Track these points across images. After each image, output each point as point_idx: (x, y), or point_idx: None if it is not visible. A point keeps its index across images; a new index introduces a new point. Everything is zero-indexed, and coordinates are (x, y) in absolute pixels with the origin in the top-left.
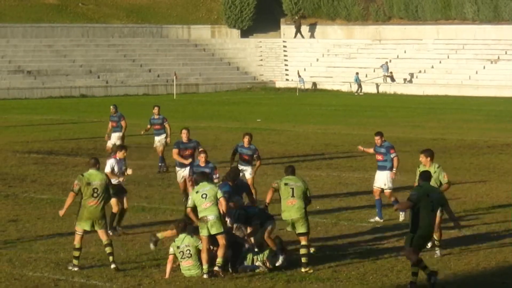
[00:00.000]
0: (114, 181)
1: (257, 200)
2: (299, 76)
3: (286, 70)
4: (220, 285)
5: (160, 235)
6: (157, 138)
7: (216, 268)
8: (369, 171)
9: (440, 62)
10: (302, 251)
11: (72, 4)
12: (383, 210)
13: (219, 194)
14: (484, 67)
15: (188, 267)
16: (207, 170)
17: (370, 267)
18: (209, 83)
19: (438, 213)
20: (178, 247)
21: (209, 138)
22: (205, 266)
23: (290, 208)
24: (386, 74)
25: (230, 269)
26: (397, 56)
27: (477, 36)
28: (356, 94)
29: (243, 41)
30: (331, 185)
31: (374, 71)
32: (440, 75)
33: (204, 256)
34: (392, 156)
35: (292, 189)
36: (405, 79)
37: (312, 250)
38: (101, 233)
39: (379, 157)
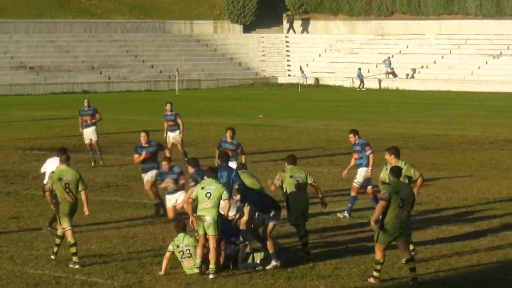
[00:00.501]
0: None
1: None
2: (302, 71)
3: (289, 65)
4: (221, 282)
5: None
6: (171, 135)
7: (211, 275)
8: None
9: (442, 57)
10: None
11: (74, 0)
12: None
13: (224, 196)
14: (486, 62)
15: (190, 266)
16: (173, 176)
17: (371, 264)
18: (211, 79)
19: None
20: (178, 246)
21: (211, 134)
22: (198, 261)
23: (300, 201)
24: (389, 69)
25: (231, 266)
26: (400, 51)
27: (479, 31)
28: (358, 89)
29: (245, 37)
30: (332, 182)
31: (376, 66)
32: (443, 70)
33: (198, 251)
34: (367, 153)
35: (298, 181)
36: (407, 75)
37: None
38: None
39: (355, 155)
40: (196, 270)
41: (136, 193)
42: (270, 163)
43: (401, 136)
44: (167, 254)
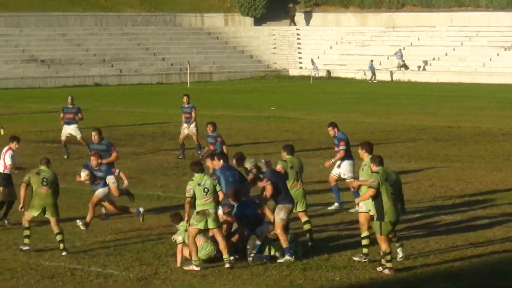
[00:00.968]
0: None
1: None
2: (313, 64)
3: (300, 58)
4: (236, 273)
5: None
6: (186, 126)
7: (227, 264)
8: (385, 159)
9: (453, 49)
10: (307, 226)
11: None
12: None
13: (218, 187)
14: (498, 54)
15: (201, 245)
16: (99, 174)
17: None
18: (223, 72)
19: None
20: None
21: (223, 127)
22: (194, 258)
23: (295, 192)
24: (400, 61)
25: (250, 257)
26: (411, 44)
27: (490, 23)
28: (370, 81)
29: (256, 29)
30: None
31: (388, 58)
32: (454, 62)
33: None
34: (340, 148)
35: (297, 172)
36: (419, 67)
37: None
38: (53, 222)
39: (336, 148)
40: (227, 265)
41: (150, 185)
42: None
43: (413, 128)
44: (179, 247)
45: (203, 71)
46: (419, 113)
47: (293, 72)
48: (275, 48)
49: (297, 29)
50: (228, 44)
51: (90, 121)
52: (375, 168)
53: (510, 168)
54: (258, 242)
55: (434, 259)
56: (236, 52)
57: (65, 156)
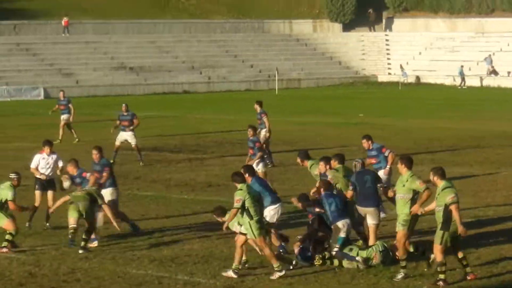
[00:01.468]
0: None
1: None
2: (402, 69)
3: (389, 64)
4: (323, 281)
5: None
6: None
7: (277, 273)
8: (474, 166)
9: None
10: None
11: (173, 0)
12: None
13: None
14: None
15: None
16: (77, 180)
17: (475, 262)
18: (311, 78)
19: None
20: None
21: (310, 134)
22: (236, 265)
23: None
24: (490, 67)
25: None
26: (500, 49)
27: None
28: (459, 87)
29: (345, 35)
30: None
31: (477, 64)
32: None
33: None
34: (386, 154)
35: (348, 181)
36: (508, 72)
37: None
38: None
39: (372, 161)
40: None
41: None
42: None
43: (503, 134)
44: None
45: (292, 78)
46: (509, 119)
47: (382, 78)
48: (363, 54)
49: (386, 35)
50: (317, 51)
51: (178, 128)
52: (443, 183)
53: None
54: (342, 235)
55: (482, 272)
56: (324, 59)
57: (111, 161)
